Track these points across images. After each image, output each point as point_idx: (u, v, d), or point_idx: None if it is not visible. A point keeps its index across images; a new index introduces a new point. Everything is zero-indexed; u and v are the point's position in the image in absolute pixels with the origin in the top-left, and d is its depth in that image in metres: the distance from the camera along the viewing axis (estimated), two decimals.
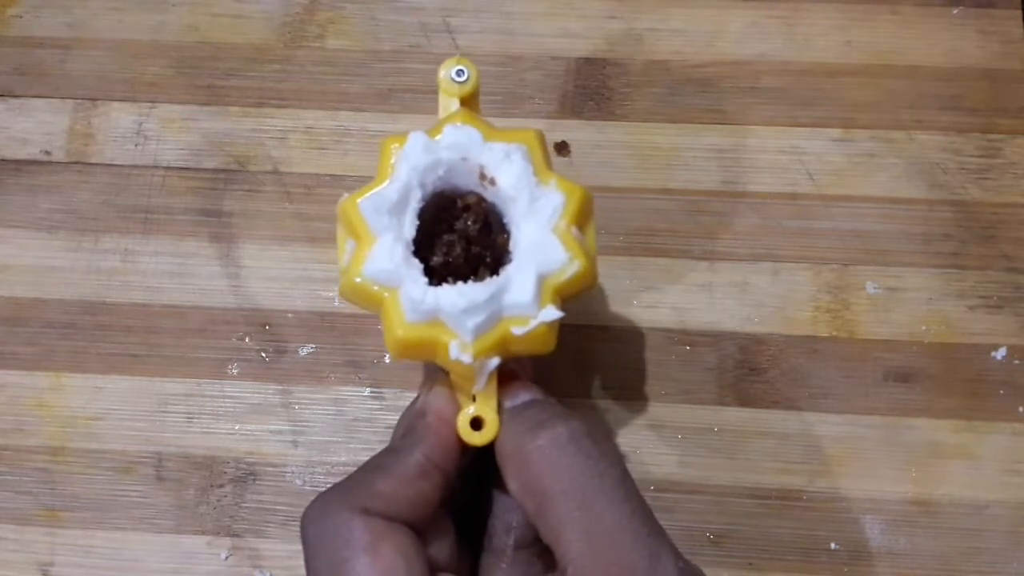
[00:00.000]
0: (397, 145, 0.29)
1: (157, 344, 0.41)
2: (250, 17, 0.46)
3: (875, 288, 0.41)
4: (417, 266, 0.27)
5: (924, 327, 0.40)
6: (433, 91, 0.45)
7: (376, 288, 0.27)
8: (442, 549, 0.27)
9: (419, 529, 0.26)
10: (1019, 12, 0.44)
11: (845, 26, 0.45)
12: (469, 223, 0.29)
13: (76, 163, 0.44)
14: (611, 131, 0.43)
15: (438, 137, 0.29)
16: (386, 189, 0.28)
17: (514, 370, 0.29)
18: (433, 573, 0.26)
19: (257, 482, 0.39)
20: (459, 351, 0.27)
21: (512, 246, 0.28)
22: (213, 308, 0.41)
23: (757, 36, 0.44)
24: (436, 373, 0.30)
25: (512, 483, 0.27)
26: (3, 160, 0.44)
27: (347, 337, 0.40)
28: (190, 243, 0.42)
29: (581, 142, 0.43)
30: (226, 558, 0.38)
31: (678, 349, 0.40)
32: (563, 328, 0.40)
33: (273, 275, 0.41)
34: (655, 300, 0.41)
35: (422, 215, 0.28)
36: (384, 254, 0.27)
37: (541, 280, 0.27)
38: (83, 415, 0.40)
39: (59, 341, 0.41)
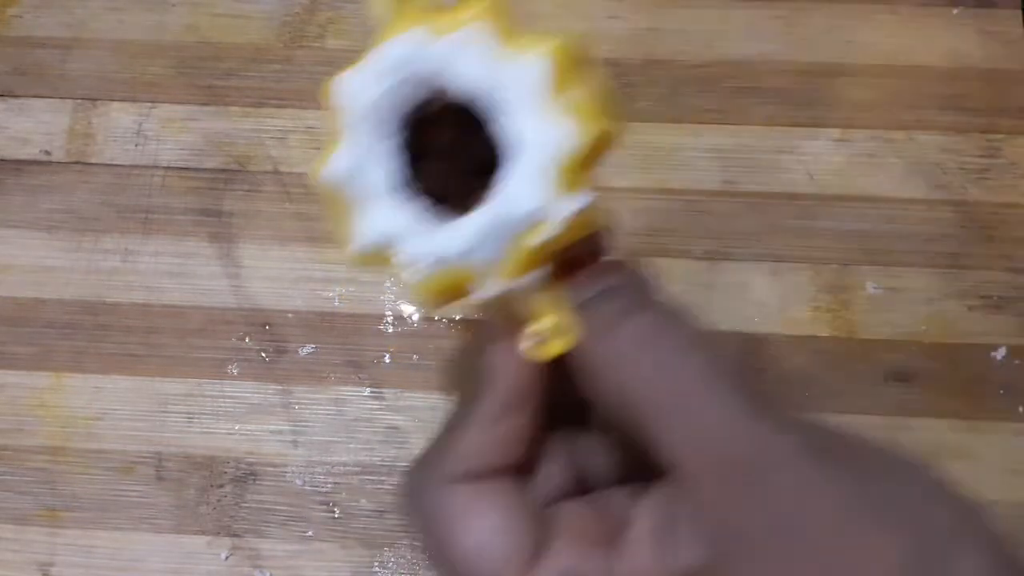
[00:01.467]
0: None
1: (157, 344, 0.41)
2: (250, 17, 0.46)
3: (875, 288, 0.41)
4: (408, 216, 0.24)
5: (924, 327, 0.40)
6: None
7: (378, 253, 0.24)
8: (552, 476, 0.25)
9: (521, 467, 0.25)
10: (1019, 12, 0.44)
11: (845, 26, 0.45)
12: (447, 135, 0.24)
13: (76, 163, 0.44)
14: None
15: (370, 68, 0.24)
16: (340, 153, 0.24)
17: (578, 255, 0.25)
18: (544, 509, 0.24)
19: (257, 482, 0.39)
20: (486, 286, 0.23)
21: (505, 139, 0.24)
22: (213, 308, 0.41)
23: (757, 36, 0.44)
24: (490, 305, 0.25)
25: (598, 395, 0.24)
26: (3, 160, 0.44)
27: (347, 337, 0.40)
28: (190, 243, 0.42)
29: None
30: (226, 558, 0.38)
31: None
32: None
33: (273, 275, 0.41)
34: None
35: (401, 147, 0.24)
36: (369, 218, 0.24)
37: (548, 170, 0.23)
38: (83, 415, 0.40)
39: (59, 341, 0.41)
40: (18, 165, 0.44)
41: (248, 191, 0.43)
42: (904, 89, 0.43)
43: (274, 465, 0.39)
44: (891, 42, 0.44)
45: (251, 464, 0.39)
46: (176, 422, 0.40)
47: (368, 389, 0.40)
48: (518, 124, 0.23)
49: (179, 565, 0.38)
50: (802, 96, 0.43)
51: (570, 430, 0.27)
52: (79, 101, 0.45)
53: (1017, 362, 0.39)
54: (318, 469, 0.39)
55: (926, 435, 0.39)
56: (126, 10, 0.46)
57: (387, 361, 0.40)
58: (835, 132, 0.43)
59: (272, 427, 0.39)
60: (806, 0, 0.45)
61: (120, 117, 0.44)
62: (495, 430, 0.24)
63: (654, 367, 0.23)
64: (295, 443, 0.39)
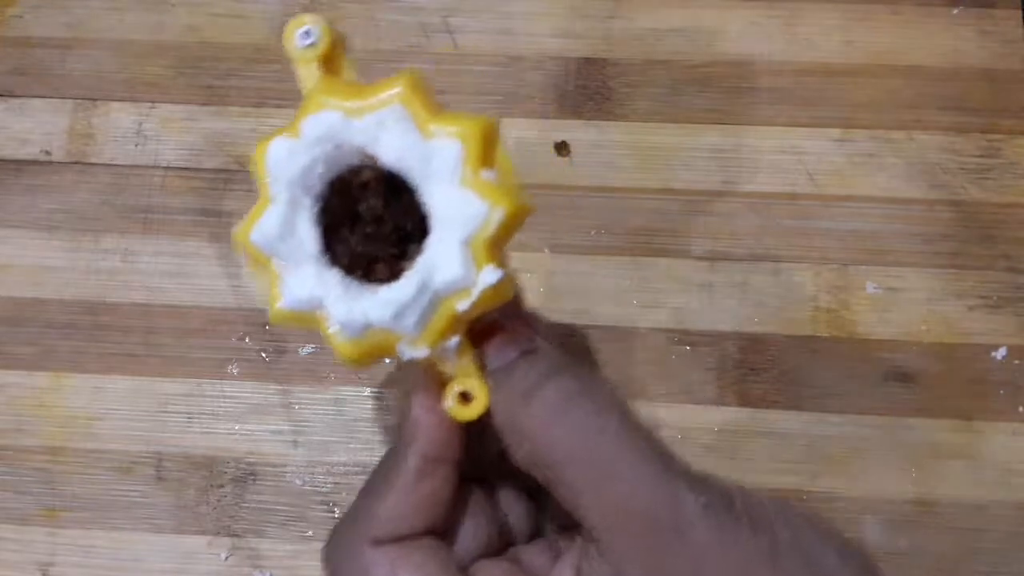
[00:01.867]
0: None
1: (157, 344, 0.41)
2: (250, 17, 0.46)
3: (875, 288, 0.41)
4: (334, 281, 0.25)
5: (924, 327, 0.40)
6: (436, 91, 0.45)
7: (304, 314, 0.25)
8: (475, 535, 0.26)
9: (442, 528, 0.25)
10: (1019, 12, 0.44)
11: (845, 26, 0.45)
12: (371, 202, 0.25)
13: (76, 163, 0.44)
14: (611, 131, 0.43)
15: (298, 137, 0.25)
16: (267, 217, 0.25)
17: (494, 321, 0.27)
18: (465, 570, 0.25)
19: (257, 482, 0.39)
20: (410, 349, 0.25)
21: (426, 211, 0.25)
22: (213, 308, 0.41)
23: (757, 36, 0.44)
24: (416, 367, 0.27)
25: (515, 455, 0.25)
26: (3, 160, 0.44)
27: None
28: (190, 243, 0.42)
29: (581, 142, 0.43)
30: (226, 558, 0.38)
31: (678, 349, 0.40)
32: (563, 328, 0.40)
33: None
34: (655, 300, 0.41)
35: (326, 211, 0.25)
36: (294, 281, 0.25)
37: (467, 244, 0.24)
38: (83, 415, 0.40)
39: (59, 341, 0.41)
40: (18, 165, 0.44)
41: (248, 191, 0.43)
42: (904, 89, 0.43)
43: (274, 465, 0.39)
44: (891, 42, 0.44)
45: (251, 464, 0.39)
46: (176, 422, 0.40)
47: (368, 389, 0.40)
48: (438, 198, 0.24)
49: (179, 565, 0.38)
50: (802, 96, 0.43)
51: (489, 487, 0.28)
52: (79, 101, 0.45)
53: (1017, 362, 0.39)
54: (318, 469, 0.39)
55: (926, 435, 0.39)
56: (126, 10, 0.46)
57: (387, 361, 0.40)
58: (835, 132, 0.43)
59: (272, 427, 0.39)
60: (806, 0, 0.45)
61: (120, 117, 0.44)
62: (416, 491, 0.25)
63: (571, 430, 0.24)
64: (295, 443, 0.39)
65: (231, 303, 0.41)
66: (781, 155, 0.43)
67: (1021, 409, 0.39)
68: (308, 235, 0.25)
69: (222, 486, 0.39)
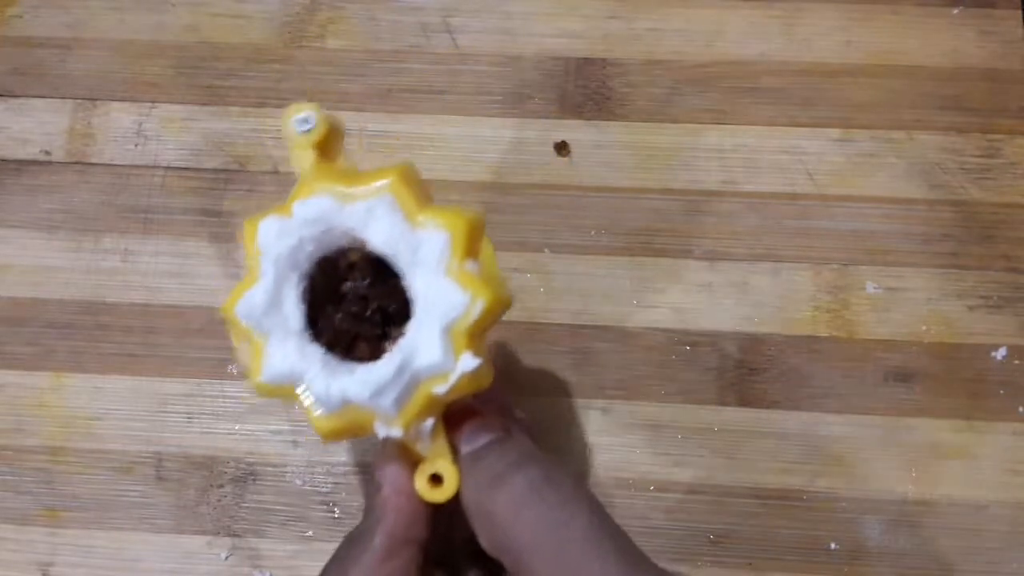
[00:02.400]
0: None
1: (157, 344, 0.41)
2: (250, 17, 0.46)
3: (875, 288, 0.41)
4: (315, 356, 0.26)
5: (924, 327, 0.40)
6: (433, 91, 0.45)
7: (283, 387, 0.26)
8: None
9: None
10: (1019, 12, 0.44)
11: (845, 26, 0.45)
12: (357, 281, 0.27)
13: (76, 163, 0.44)
14: (611, 131, 0.43)
15: (290, 217, 0.26)
16: (255, 291, 0.26)
17: (468, 406, 0.28)
18: None
19: (257, 482, 0.39)
20: (386, 428, 0.25)
21: (410, 296, 0.26)
22: (213, 308, 0.41)
23: (757, 36, 0.44)
24: (386, 442, 0.28)
25: (482, 539, 0.26)
26: (3, 160, 0.44)
27: None
28: (190, 243, 0.42)
29: (581, 142, 0.43)
30: (226, 558, 0.38)
31: (678, 349, 0.40)
32: (563, 328, 0.40)
33: None
34: (655, 300, 0.41)
35: (311, 288, 0.27)
36: (277, 355, 0.26)
37: (447, 331, 0.25)
38: (83, 415, 0.40)
39: (59, 341, 0.41)
40: (18, 165, 0.44)
41: (248, 191, 0.43)
42: (904, 89, 0.43)
43: (274, 465, 0.39)
44: (891, 42, 0.44)
45: (251, 464, 0.39)
46: (176, 422, 0.40)
47: None
48: (423, 285, 0.25)
49: (179, 565, 0.38)
50: (802, 96, 0.43)
51: (458, 560, 0.29)
52: (79, 101, 0.45)
53: (1017, 362, 0.39)
54: (318, 469, 0.39)
55: (926, 435, 0.39)
56: (126, 10, 0.46)
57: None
58: (835, 132, 0.43)
59: (272, 427, 0.39)
60: (806, 0, 0.45)
61: (120, 117, 0.44)
62: (384, 568, 0.26)
63: (536, 519, 0.25)
64: (295, 443, 0.39)
65: None
66: (781, 155, 0.43)
67: (1021, 409, 0.39)
68: (293, 311, 0.26)
69: (222, 486, 0.39)
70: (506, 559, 0.25)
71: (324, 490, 0.39)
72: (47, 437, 0.40)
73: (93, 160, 0.44)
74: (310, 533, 0.38)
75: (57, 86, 0.45)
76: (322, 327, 0.27)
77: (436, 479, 0.26)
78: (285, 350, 0.26)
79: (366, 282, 0.27)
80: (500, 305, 0.26)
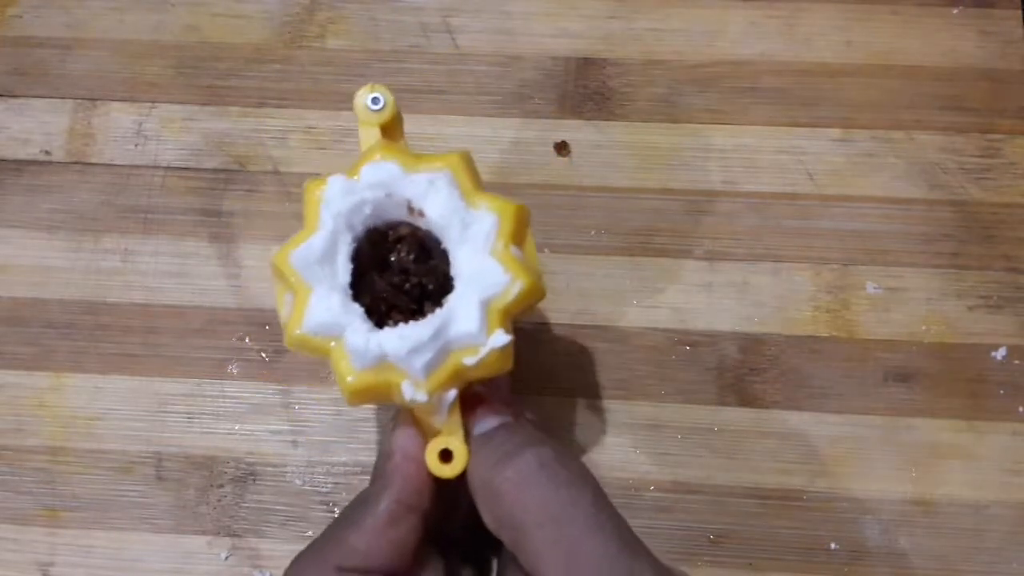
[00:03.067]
0: (321, 188, 0.28)
1: (157, 344, 0.41)
2: (250, 17, 0.46)
3: (875, 288, 0.41)
4: (357, 312, 0.27)
5: (924, 327, 0.40)
6: (433, 91, 0.45)
7: (320, 339, 0.27)
8: None
9: (400, 574, 0.26)
10: (1019, 12, 0.44)
11: (845, 26, 0.45)
12: (403, 255, 0.28)
13: (76, 163, 0.44)
14: (611, 131, 0.43)
15: (357, 177, 0.28)
16: (313, 240, 0.27)
17: (480, 393, 0.29)
18: None
19: (257, 482, 0.39)
20: (413, 391, 0.26)
21: (453, 272, 0.27)
22: (213, 308, 0.41)
23: (757, 36, 0.44)
24: (401, 410, 0.29)
25: (486, 516, 0.26)
26: (3, 160, 0.44)
27: None
28: (190, 243, 0.42)
29: (581, 142, 0.43)
30: (226, 558, 0.38)
31: (678, 349, 0.40)
32: (563, 328, 0.40)
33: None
34: (655, 300, 0.41)
35: (357, 255, 0.28)
36: (321, 306, 0.27)
37: (485, 306, 0.26)
38: (83, 415, 0.40)
39: (59, 341, 0.41)
40: (18, 165, 0.44)
41: (248, 191, 0.43)
42: (904, 89, 0.43)
43: (274, 465, 0.39)
44: (891, 42, 0.44)
45: (251, 464, 0.39)
46: (176, 422, 0.40)
47: None
48: (467, 261, 0.27)
49: (179, 565, 0.38)
50: (802, 96, 0.43)
51: (448, 545, 0.29)
52: (79, 101, 0.45)
53: (1017, 362, 0.39)
54: (318, 469, 0.39)
55: (926, 435, 0.39)
56: (126, 10, 0.46)
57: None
58: (835, 132, 0.43)
59: (272, 427, 0.39)
60: (806, 0, 0.45)
61: (120, 117, 0.44)
62: (385, 534, 0.26)
63: (543, 495, 0.25)
64: (295, 443, 0.39)
65: (231, 303, 0.41)
66: (781, 155, 0.43)
67: (1021, 409, 0.39)
68: (343, 266, 0.27)
69: (222, 486, 0.39)
70: (507, 535, 0.26)
71: (324, 490, 0.39)
72: (47, 437, 0.40)
73: (93, 160, 0.44)
74: (310, 533, 0.38)
75: (57, 86, 0.45)
76: (363, 290, 0.28)
77: (446, 455, 0.27)
78: (330, 302, 0.27)
79: (411, 256, 0.28)
80: (536, 292, 0.28)
